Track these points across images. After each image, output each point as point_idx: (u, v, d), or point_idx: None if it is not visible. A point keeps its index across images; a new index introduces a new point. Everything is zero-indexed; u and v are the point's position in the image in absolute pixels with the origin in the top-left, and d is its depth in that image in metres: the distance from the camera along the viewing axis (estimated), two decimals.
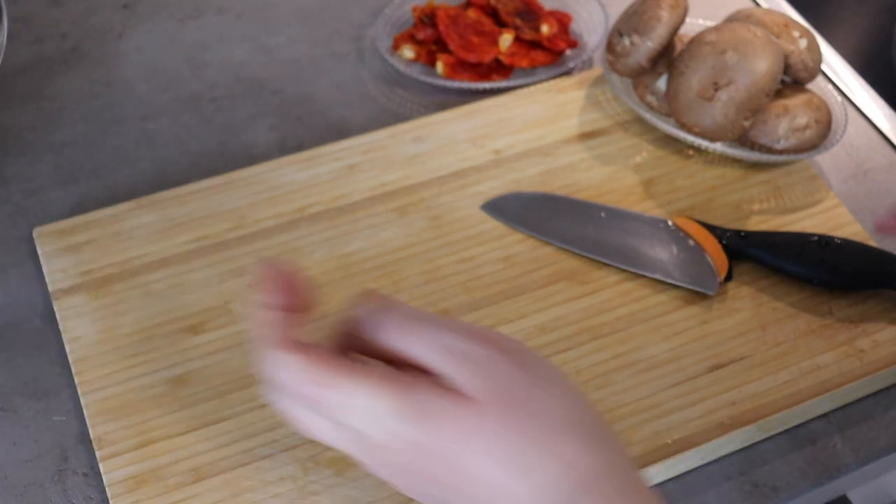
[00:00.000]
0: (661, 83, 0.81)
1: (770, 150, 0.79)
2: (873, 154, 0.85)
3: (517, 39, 0.89)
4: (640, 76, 0.83)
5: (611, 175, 0.80)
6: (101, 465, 0.63)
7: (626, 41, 0.80)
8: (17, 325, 0.72)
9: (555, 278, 0.73)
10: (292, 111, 0.87)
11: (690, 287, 0.72)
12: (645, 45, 0.79)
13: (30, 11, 0.95)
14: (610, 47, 0.82)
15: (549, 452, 0.44)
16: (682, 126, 0.79)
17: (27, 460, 0.65)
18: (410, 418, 0.45)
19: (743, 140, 0.80)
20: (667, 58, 0.81)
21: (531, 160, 0.81)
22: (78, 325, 0.70)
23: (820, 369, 0.68)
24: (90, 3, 0.96)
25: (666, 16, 0.79)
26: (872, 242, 0.76)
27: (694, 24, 0.89)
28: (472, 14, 0.90)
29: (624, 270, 0.73)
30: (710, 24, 0.88)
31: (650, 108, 0.82)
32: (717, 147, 0.80)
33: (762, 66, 0.75)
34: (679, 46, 0.82)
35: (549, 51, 0.89)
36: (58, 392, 0.68)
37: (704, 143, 0.79)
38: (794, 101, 0.79)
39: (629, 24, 0.80)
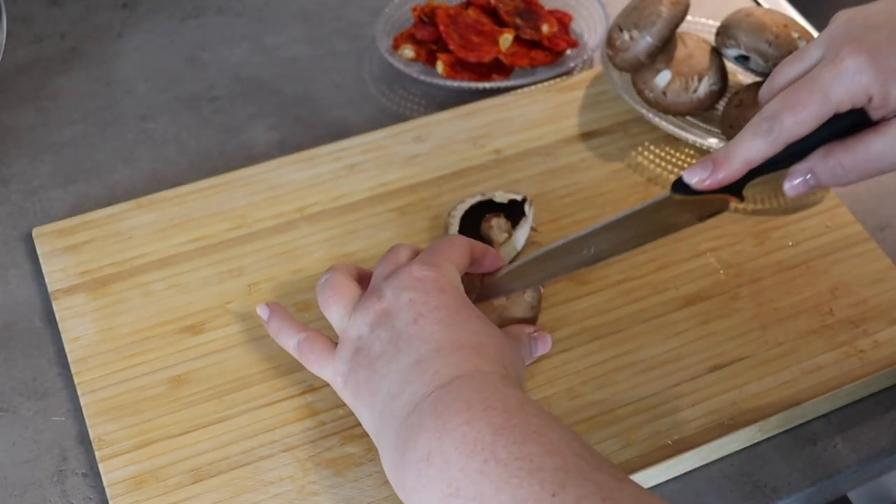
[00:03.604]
0: (660, 79, 0.81)
1: None
2: None
3: (517, 39, 0.89)
4: (639, 72, 0.82)
5: (611, 175, 0.80)
6: (100, 466, 0.63)
7: (626, 36, 0.80)
8: (17, 325, 0.72)
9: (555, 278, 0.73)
10: (292, 111, 0.87)
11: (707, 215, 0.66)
12: (644, 41, 0.79)
13: (29, 11, 0.95)
14: (609, 42, 0.82)
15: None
16: None
17: (26, 461, 0.65)
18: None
19: None
20: (666, 54, 0.81)
21: (531, 160, 0.81)
22: (77, 325, 0.70)
23: (820, 369, 0.68)
24: (90, 3, 0.96)
25: (666, 11, 0.78)
26: (873, 243, 0.76)
27: (695, 22, 0.89)
28: (472, 13, 0.90)
29: (624, 271, 0.73)
30: (711, 22, 0.88)
31: (649, 103, 0.82)
32: (719, 147, 0.79)
33: None
34: (680, 45, 0.82)
35: (550, 50, 0.89)
36: (57, 392, 0.68)
37: (706, 143, 0.79)
38: None
39: (629, 18, 0.80)
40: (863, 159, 0.61)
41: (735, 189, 0.63)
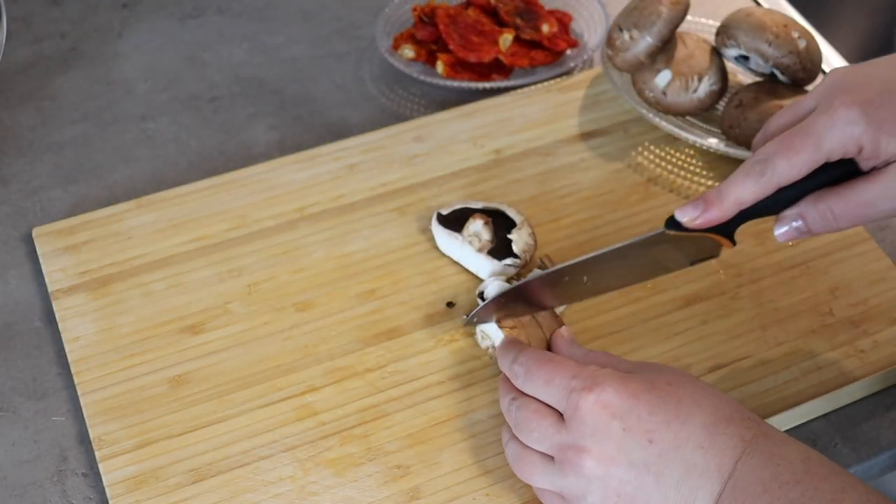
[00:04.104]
0: (660, 79, 0.81)
1: None
2: None
3: (517, 39, 0.89)
4: (639, 72, 0.82)
5: (611, 175, 0.80)
6: (100, 466, 0.63)
7: (626, 36, 0.80)
8: (17, 325, 0.72)
9: None
10: (292, 111, 0.87)
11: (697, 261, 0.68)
12: (644, 41, 0.79)
13: (29, 11, 0.95)
14: (609, 42, 0.82)
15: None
16: None
17: (26, 461, 0.65)
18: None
19: (743, 140, 0.79)
20: (666, 54, 0.81)
21: (531, 160, 0.81)
22: (77, 325, 0.70)
23: (820, 369, 0.68)
24: (90, 3, 0.96)
25: (666, 11, 0.78)
26: (873, 243, 0.76)
27: (695, 22, 0.89)
28: (472, 13, 0.90)
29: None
30: (711, 22, 0.88)
31: (649, 103, 0.82)
32: (719, 147, 0.79)
33: None
34: (680, 45, 0.82)
35: (550, 50, 0.89)
36: (57, 392, 0.68)
37: (706, 143, 0.79)
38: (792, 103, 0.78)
39: (629, 18, 0.80)
40: (853, 206, 0.62)
41: (726, 230, 0.64)
